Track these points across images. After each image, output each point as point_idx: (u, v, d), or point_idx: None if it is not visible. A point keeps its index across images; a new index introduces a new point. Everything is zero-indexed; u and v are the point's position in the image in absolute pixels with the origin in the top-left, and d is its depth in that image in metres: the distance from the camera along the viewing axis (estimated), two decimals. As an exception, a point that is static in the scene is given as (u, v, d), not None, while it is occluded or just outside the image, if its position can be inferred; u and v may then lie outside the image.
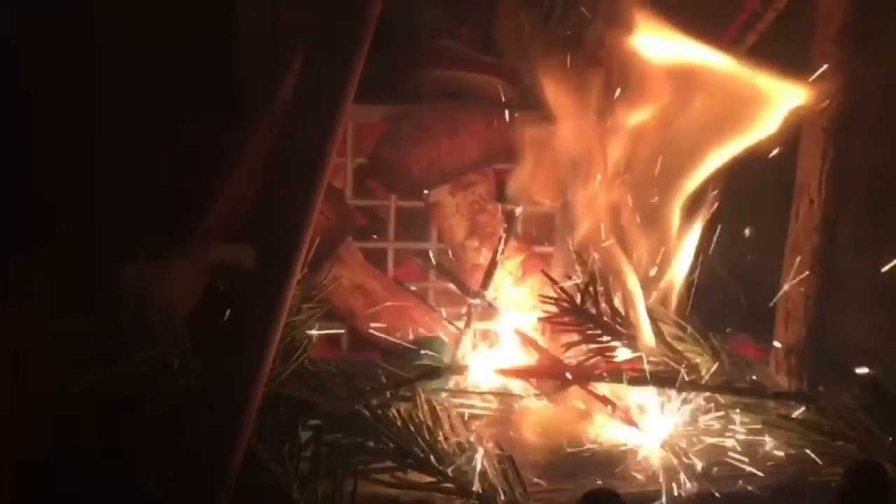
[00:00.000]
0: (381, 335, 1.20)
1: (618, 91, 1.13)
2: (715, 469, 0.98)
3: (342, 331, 1.22)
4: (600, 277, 1.09)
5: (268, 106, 1.11)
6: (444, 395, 1.10)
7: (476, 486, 0.90)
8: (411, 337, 1.21)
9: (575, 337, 1.09)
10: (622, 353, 1.08)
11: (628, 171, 1.11)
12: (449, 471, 0.92)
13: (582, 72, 1.20)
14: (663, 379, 1.06)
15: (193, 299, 0.97)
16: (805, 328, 1.10)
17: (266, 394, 0.87)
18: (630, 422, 1.06)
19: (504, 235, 1.20)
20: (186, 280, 0.97)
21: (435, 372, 1.09)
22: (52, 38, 1.11)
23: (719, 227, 1.13)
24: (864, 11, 1.07)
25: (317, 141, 0.83)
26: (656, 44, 1.07)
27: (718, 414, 1.06)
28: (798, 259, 1.10)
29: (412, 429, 0.95)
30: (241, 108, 1.19)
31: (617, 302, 1.09)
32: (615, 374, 1.06)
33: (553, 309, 1.10)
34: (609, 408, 1.08)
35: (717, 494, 0.94)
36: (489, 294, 1.20)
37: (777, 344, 1.13)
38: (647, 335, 1.08)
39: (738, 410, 1.06)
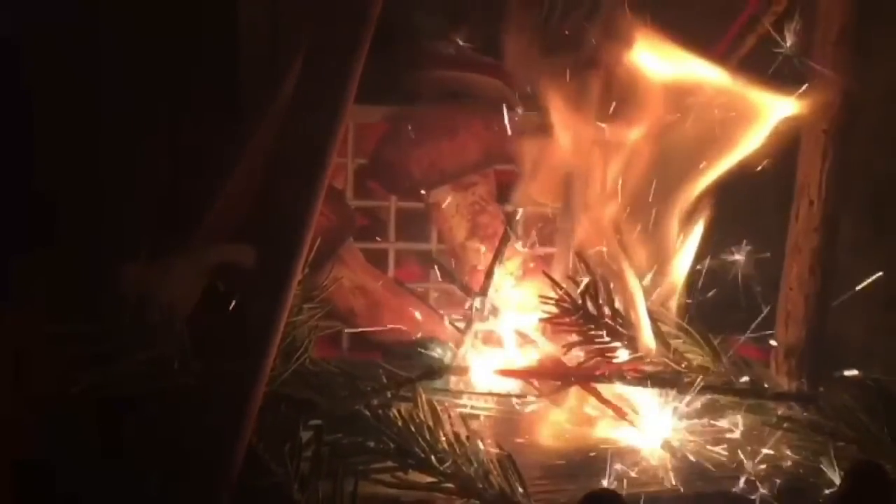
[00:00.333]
0: (382, 336, 1.21)
1: (613, 105, 1.13)
2: (715, 469, 0.98)
3: (355, 329, 1.22)
4: (601, 278, 1.09)
5: (268, 106, 1.11)
6: (444, 395, 1.10)
7: (477, 487, 0.90)
8: (412, 337, 1.21)
9: (575, 337, 1.09)
10: (622, 354, 1.08)
11: (626, 181, 1.12)
12: (449, 471, 0.92)
13: (581, 72, 1.21)
14: (663, 379, 1.06)
15: (194, 299, 0.97)
16: (805, 328, 1.10)
17: (267, 394, 0.87)
18: (630, 422, 1.06)
19: (504, 236, 1.20)
20: (187, 280, 0.97)
21: (436, 372, 1.09)
22: (53, 38, 1.11)
23: (718, 227, 1.14)
24: (864, 14, 1.07)
25: (317, 141, 0.83)
26: (653, 58, 1.07)
27: (719, 414, 1.06)
28: (798, 260, 1.10)
29: (413, 429, 0.95)
30: (241, 108, 1.19)
31: (617, 302, 1.09)
32: (615, 374, 1.06)
33: (554, 309, 1.10)
34: (609, 408, 1.08)
35: (717, 494, 0.94)
36: (490, 294, 1.20)
37: (777, 344, 1.13)
38: (647, 336, 1.08)
39: (738, 411, 1.06)
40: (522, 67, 1.12)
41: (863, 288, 1.16)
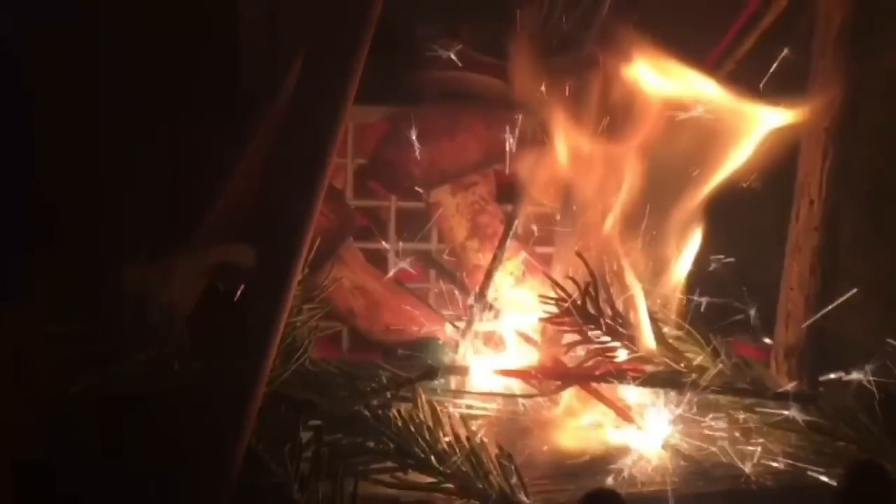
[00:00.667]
0: (382, 336, 1.21)
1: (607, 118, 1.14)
2: (715, 469, 0.98)
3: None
4: (601, 278, 1.09)
5: (268, 106, 1.11)
6: (444, 395, 1.10)
7: (477, 487, 0.90)
8: (412, 338, 1.21)
9: (575, 337, 1.09)
10: (622, 354, 1.08)
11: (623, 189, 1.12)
12: (449, 471, 0.92)
13: (581, 72, 1.21)
14: (663, 379, 1.06)
15: (194, 300, 0.97)
16: (805, 328, 1.10)
17: (267, 394, 0.87)
18: (630, 422, 1.06)
19: (504, 236, 1.20)
20: (187, 280, 0.97)
21: (435, 372, 1.09)
22: (53, 39, 1.11)
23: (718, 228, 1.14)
24: (865, 11, 1.07)
25: (318, 141, 0.83)
26: (650, 73, 1.08)
27: (719, 414, 1.06)
28: (798, 259, 1.10)
29: (413, 429, 0.95)
30: (242, 108, 1.19)
31: (617, 302, 1.09)
32: (615, 374, 1.06)
33: (554, 309, 1.10)
34: (610, 408, 1.08)
35: (717, 494, 0.94)
36: (490, 294, 1.20)
37: (776, 344, 1.13)
38: (647, 336, 1.08)
39: (738, 411, 1.06)
40: (526, 78, 1.12)
41: (862, 288, 1.16)
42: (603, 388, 1.09)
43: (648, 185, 1.11)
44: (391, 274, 1.26)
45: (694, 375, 1.07)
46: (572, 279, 1.10)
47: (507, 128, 1.19)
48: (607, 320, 1.08)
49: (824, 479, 0.96)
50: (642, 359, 1.07)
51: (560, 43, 1.20)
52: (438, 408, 1.01)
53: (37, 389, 0.92)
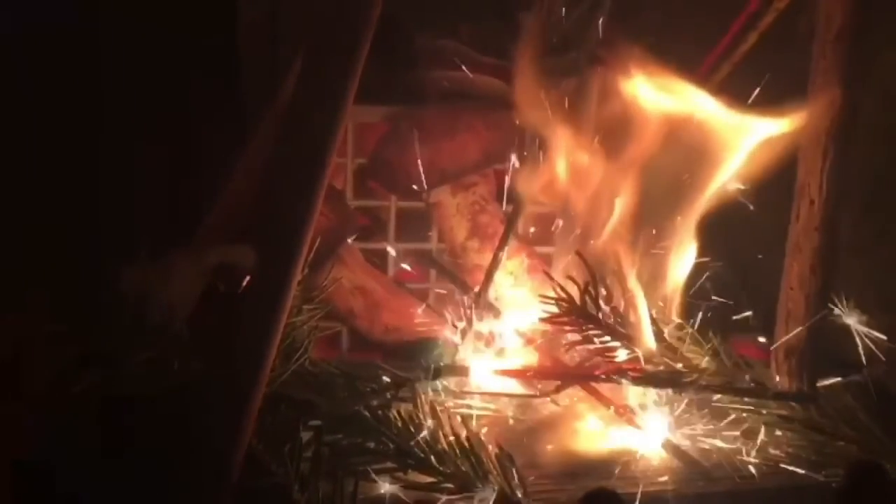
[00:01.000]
0: (382, 336, 1.21)
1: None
2: (715, 469, 0.98)
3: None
4: (601, 278, 1.09)
5: (268, 106, 1.11)
6: (444, 395, 1.10)
7: (477, 487, 0.90)
8: (412, 338, 1.21)
9: (575, 337, 1.09)
10: (622, 354, 1.08)
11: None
12: (449, 471, 0.92)
13: (581, 72, 1.21)
14: (663, 379, 1.06)
15: (194, 300, 0.97)
16: (805, 328, 1.10)
17: (267, 394, 0.87)
18: (630, 422, 1.06)
19: (504, 236, 1.20)
20: (187, 280, 0.97)
21: (435, 372, 1.09)
22: (53, 39, 1.11)
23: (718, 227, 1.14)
24: (865, 12, 1.07)
25: (317, 141, 0.83)
26: (646, 86, 1.08)
27: (719, 414, 1.06)
28: (799, 259, 1.10)
29: (412, 429, 0.95)
30: (242, 108, 1.19)
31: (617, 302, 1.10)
32: (615, 374, 1.06)
33: (554, 309, 1.10)
34: (609, 408, 1.08)
35: (717, 494, 0.94)
36: (490, 294, 1.20)
37: (776, 344, 1.13)
38: (647, 335, 1.08)
39: (738, 411, 1.06)
40: (528, 92, 1.13)
41: (863, 288, 1.16)
42: (603, 388, 1.09)
43: (645, 191, 1.11)
44: (391, 274, 1.26)
45: (694, 375, 1.07)
46: (572, 279, 1.10)
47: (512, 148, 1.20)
48: (607, 320, 1.08)
49: (824, 479, 0.96)
50: (642, 359, 1.07)
51: (560, 43, 1.20)
52: (438, 408, 1.01)
53: (37, 389, 0.93)
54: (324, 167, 0.84)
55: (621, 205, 1.11)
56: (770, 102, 1.13)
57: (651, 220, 1.14)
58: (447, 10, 1.29)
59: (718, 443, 1.03)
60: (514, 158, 1.21)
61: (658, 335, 1.09)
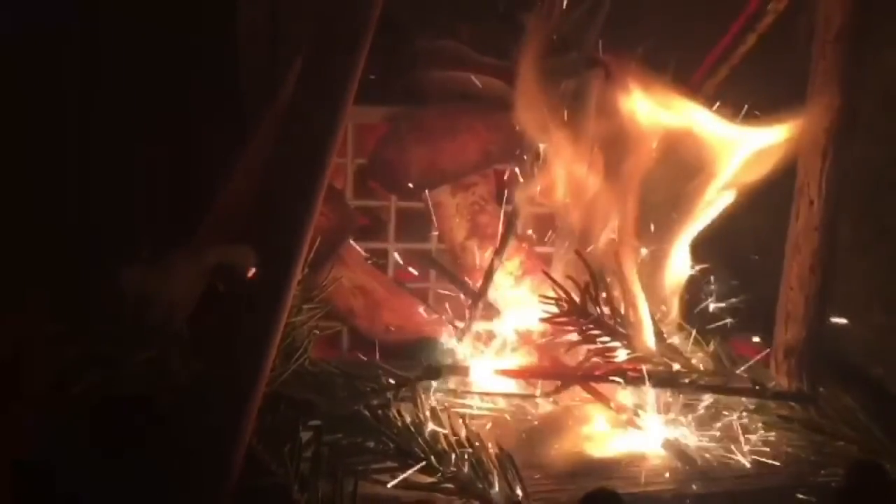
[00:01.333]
0: (382, 336, 1.21)
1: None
2: (715, 469, 0.98)
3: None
4: (600, 278, 1.09)
5: (268, 106, 1.11)
6: (444, 395, 1.10)
7: (477, 487, 0.90)
8: (412, 338, 1.21)
9: (575, 337, 1.09)
10: (622, 354, 1.08)
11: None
12: (449, 471, 0.92)
13: (581, 73, 1.21)
14: (663, 379, 1.06)
15: (194, 300, 0.97)
16: (805, 328, 1.10)
17: (267, 394, 0.87)
18: (630, 422, 1.06)
19: (504, 236, 1.20)
20: (187, 280, 0.97)
21: (435, 372, 1.09)
22: (53, 39, 1.11)
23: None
24: (864, 12, 1.07)
25: (317, 141, 0.83)
26: (643, 101, 1.09)
27: (718, 414, 1.06)
28: (798, 259, 1.10)
29: (413, 429, 0.95)
30: (242, 108, 1.19)
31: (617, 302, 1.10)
32: (615, 374, 1.07)
33: (554, 309, 1.10)
34: (609, 408, 1.08)
35: (717, 494, 0.94)
36: (490, 295, 1.20)
37: (776, 344, 1.13)
38: (648, 336, 1.08)
39: (738, 411, 1.07)
40: (530, 106, 1.13)
41: (862, 288, 1.16)
42: (603, 388, 1.09)
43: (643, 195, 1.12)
44: (391, 274, 1.26)
45: (694, 375, 1.07)
46: (572, 279, 1.10)
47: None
48: (607, 320, 1.08)
49: (824, 479, 0.97)
50: (642, 359, 1.07)
51: (560, 44, 1.20)
52: (438, 408, 1.01)
53: (37, 389, 0.92)
54: (324, 167, 0.84)
55: (620, 207, 1.11)
56: (770, 103, 1.13)
57: (650, 221, 1.14)
58: (447, 10, 1.29)
59: (718, 443, 1.03)
60: (513, 161, 1.22)
61: (658, 335, 1.09)
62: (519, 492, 0.90)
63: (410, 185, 1.22)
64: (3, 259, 1.02)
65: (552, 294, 1.10)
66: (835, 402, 1.05)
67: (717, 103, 1.14)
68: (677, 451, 1.01)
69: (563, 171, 1.15)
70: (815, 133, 1.08)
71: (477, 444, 0.94)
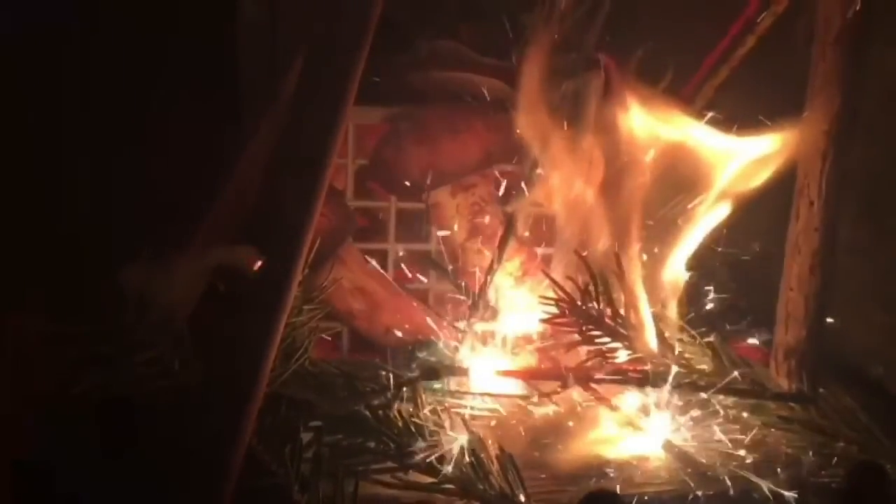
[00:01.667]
0: (382, 337, 1.21)
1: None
2: (715, 469, 0.98)
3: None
4: (601, 278, 1.09)
5: (268, 106, 1.11)
6: (445, 395, 1.10)
7: (477, 487, 0.90)
8: (412, 338, 1.21)
9: (575, 338, 1.09)
10: (622, 354, 1.08)
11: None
12: (449, 471, 0.92)
13: (581, 74, 1.21)
14: (663, 380, 1.06)
15: (194, 300, 0.97)
16: (805, 329, 1.10)
17: (267, 395, 0.87)
18: (631, 423, 1.06)
19: (504, 237, 1.20)
20: (188, 281, 0.97)
21: (436, 372, 1.09)
22: (53, 38, 1.11)
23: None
24: (864, 13, 1.07)
25: (318, 142, 0.83)
26: (642, 119, 1.10)
27: (719, 415, 1.07)
28: (798, 260, 1.10)
29: (413, 430, 0.95)
30: (241, 108, 1.19)
31: (617, 303, 1.10)
32: (615, 375, 1.06)
33: (554, 310, 1.10)
34: (610, 409, 1.08)
35: (717, 494, 0.94)
36: (490, 295, 1.20)
37: (776, 344, 1.13)
38: (649, 336, 1.08)
39: (738, 411, 1.07)
40: (531, 117, 1.14)
41: (862, 288, 1.17)
42: (603, 389, 1.09)
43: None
44: (391, 274, 1.26)
45: (694, 376, 1.07)
46: (572, 279, 1.10)
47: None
48: (607, 321, 1.08)
49: (824, 479, 0.97)
50: (642, 359, 1.07)
51: (560, 44, 1.20)
52: (439, 408, 1.01)
53: (37, 389, 0.92)
54: (324, 167, 0.84)
55: (621, 212, 1.12)
56: (770, 104, 1.13)
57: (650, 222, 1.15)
58: (447, 10, 1.29)
59: (718, 443, 1.03)
60: (513, 161, 1.22)
61: (659, 336, 1.09)
62: (519, 492, 0.90)
63: (410, 184, 1.22)
64: (3, 259, 1.02)
65: (552, 294, 1.10)
66: (835, 402, 1.05)
67: (717, 104, 1.14)
68: (677, 451, 1.01)
69: (561, 179, 1.15)
70: (814, 138, 1.08)
71: (477, 444, 0.94)
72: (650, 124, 1.09)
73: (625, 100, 1.10)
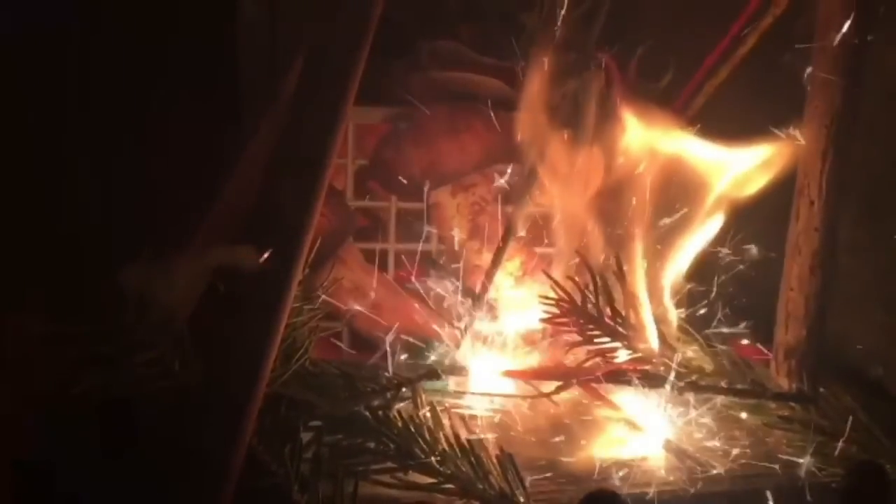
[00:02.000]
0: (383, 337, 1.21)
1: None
2: (715, 470, 0.98)
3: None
4: (601, 278, 1.09)
5: (268, 106, 1.11)
6: (445, 395, 1.10)
7: (477, 487, 0.90)
8: (412, 338, 1.21)
9: (576, 338, 1.09)
10: (622, 354, 1.08)
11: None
12: (450, 472, 0.92)
13: (581, 73, 1.21)
14: (663, 380, 1.06)
15: (195, 300, 0.97)
16: (805, 329, 1.10)
17: (267, 395, 0.87)
18: (631, 423, 1.06)
19: (504, 237, 1.20)
20: (188, 281, 0.97)
21: (436, 373, 1.09)
22: (52, 38, 1.11)
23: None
24: (865, 12, 1.07)
25: (318, 142, 0.83)
26: (639, 134, 1.11)
27: (719, 415, 1.07)
28: (798, 260, 1.10)
29: (413, 430, 0.95)
30: (241, 107, 1.19)
31: (617, 303, 1.10)
32: (616, 375, 1.06)
33: (554, 310, 1.10)
34: (610, 409, 1.08)
35: (717, 494, 0.94)
36: (490, 295, 1.20)
37: (776, 344, 1.13)
38: (649, 336, 1.08)
39: (738, 411, 1.07)
40: (532, 126, 1.15)
41: (862, 288, 1.16)
42: (603, 388, 1.09)
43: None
44: (391, 274, 1.26)
45: (694, 376, 1.07)
46: (572, 279, 1.10)
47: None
48: (607, 321, 1.08)
49: (824, 479, 0.97)
50: (642, 359, 1.07)
51: (561, 44, 1.20)
52: (439, 408, 1.01)
53: (37, 389, 0.92)
54: (324, 167, 0.84)
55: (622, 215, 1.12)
56: (769, 105, 1.13)
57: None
58: (447, 10, 1.29)
59: (718, 443, 1.03)
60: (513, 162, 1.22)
61: (658, 336, 1.09)
62: (519, 492, 0.90)
63: (410, 184, 1.22)
64: (3, 259, 1.02)
65: (552, 294, 1.10)
66: (835, 402, 1.05)
67: (717, 104, 1.14)
68: (678, 451, 1.01)
69: (560, 182, 1.15)
70: (816, 133, 1.08)
71: (477, 444, 0.94)
72: (646, 138, 1.09)
73: (624, 102, 1.10)
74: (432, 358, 1.16)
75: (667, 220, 1.13)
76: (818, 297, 1.10)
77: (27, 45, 1.10)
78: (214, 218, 1.08)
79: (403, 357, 1.16)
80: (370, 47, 0.86)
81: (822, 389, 1.09)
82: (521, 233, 1.24)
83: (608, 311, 1.08)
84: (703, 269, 1.15)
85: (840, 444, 1.00)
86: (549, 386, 1.10)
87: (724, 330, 1.15)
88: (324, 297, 1.09)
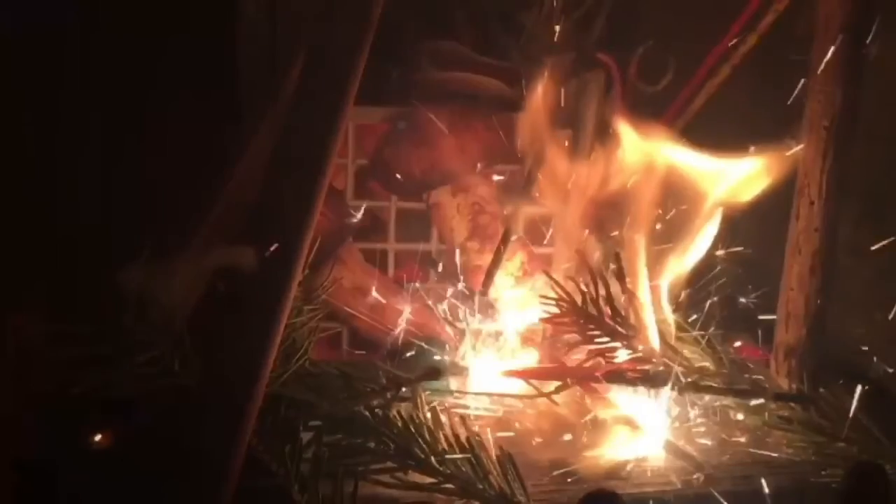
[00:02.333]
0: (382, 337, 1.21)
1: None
2: (715, 470, 0.98)
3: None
4: (601, 278, 1.09)
5: (268, 105, 1.11)
6: (445, 395, 1.10)
7: (477, 487, 0.90)
8: (411, 338, 1.21)
9: (576, 338, 1.09)
10: (622, 354, 1.08)
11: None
12: (449, 472, 0.92)
13: (581, 73, 1.21)
14: (664, 380, 1.06)
15: (194, 300, 0.97)
16: (805, 329, 1.10)
17: (267, 395, 0.87)
18: (631, 423, 1.06)
19: (504, 237, 1.20)
20: (188, 281, 0.97)
21: (436, 373, 1.09)
22: (52, 38, 1.11)
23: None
24: (865, 12, 1.07)
25: (318, 142, 0.83)
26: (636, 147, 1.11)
27: (718, 415, 1.07)
28: (798, 260, 1.10)
29: (413, 430, 0.95)
30: (241, 107, 1.19)
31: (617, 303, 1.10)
32: (616, 374, 1.06)
33: (554, 309, 1.10)
34: (610, 409, 1.08)
35: (717, 494, 0.94)
36: (490, 295, 1.20)
37: (776, 344, 1.13)
38: (649, 336, 1.08)
39: (738, 412, 1.07)
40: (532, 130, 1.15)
41: (863, 288, 1.16)
42: (603, 388, 1.09)
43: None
44: (391, 274, 1.26)
45: (694, 376, 1.07)
46: (573, 279, 1.10)
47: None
48: (607, 321, 1.08)
49: (824, 479, 0.97)
50: (642, 359, 1.07)
51: (561, 44, 1.20)
52: (439, 408, 1.01)
53: (37, 389, 0.92)
54: (324, 167, 0.84)
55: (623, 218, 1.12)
56: (769, 105, 1.13)
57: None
58: (447, 11, 1.29)
59: (718, 443, 1.03)
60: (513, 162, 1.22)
61: (658, 336, 1.09)
62: (519, 492, 0.90)
63: (410, 185, 1.22)
64: (3, 259, 1.02)
65: (552, 294, 1.10)
66: (835, 402, 1.05)
67: (717, 104, 1.14)
68: (678, 451, 1.01)
69: (559, 185, 1.15)
70: (817, 133, 1.08)
71: (477, 444, 0.94)
72: (642, 151, 1.10)
73: (620, 113, 1.11)
74: (432, 358, 1.16)
75: (667, 219, 1.13)
76: (818, 297, 1.10)
77: (27, 45, 1.10)
78: (214, 218, 1.08)
79: (403, 357, 1.16)
80: (370, 47, 0.86)
81: (822, 389, 1.09)
82: (521, 233, 1.24)
83: (608, 311, 1.08)
84: (702, 269, 1.15)
85: (840, 444, 1.00)
86: (549, 386, 1.10)
87: (724, 330, 1.15)
88: (324, 297, 1.10)
